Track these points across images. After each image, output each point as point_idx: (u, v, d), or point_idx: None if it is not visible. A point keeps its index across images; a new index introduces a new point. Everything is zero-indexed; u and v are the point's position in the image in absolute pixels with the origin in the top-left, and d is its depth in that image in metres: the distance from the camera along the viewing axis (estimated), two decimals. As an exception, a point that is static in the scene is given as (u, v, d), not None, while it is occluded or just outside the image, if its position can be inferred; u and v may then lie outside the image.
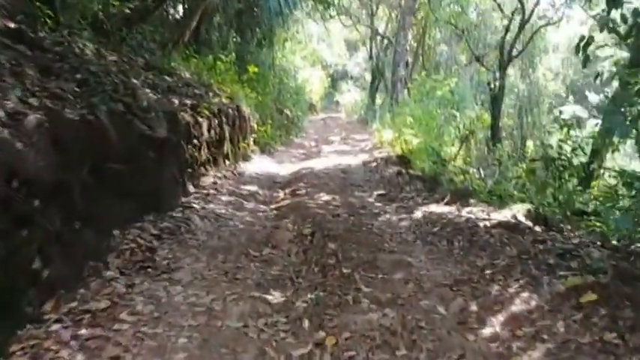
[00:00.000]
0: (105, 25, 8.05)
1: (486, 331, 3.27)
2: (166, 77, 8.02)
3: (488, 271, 4.22)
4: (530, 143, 17.96)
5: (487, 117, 16.36)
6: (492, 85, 16.25)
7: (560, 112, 18.55)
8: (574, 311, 3.32)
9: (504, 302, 3.64)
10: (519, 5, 15.31)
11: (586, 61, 5.98)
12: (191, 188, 6.60)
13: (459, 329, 3.31)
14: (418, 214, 6.36)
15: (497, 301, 3.69)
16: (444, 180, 8.79)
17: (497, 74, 16.59)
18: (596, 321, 3.14)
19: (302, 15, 20.24)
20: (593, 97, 18.95)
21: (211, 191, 6.88)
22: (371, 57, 26.76)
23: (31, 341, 2.75)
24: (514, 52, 16.98)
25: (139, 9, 8.58)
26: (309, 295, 3.78)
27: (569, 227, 6.31)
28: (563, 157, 10.21)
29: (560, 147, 10.19)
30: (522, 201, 8.11)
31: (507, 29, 16.72)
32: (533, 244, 4.73)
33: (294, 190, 7.87)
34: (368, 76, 30.96)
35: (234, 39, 14.18)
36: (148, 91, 6.23)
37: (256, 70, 12.71)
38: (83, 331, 2.92)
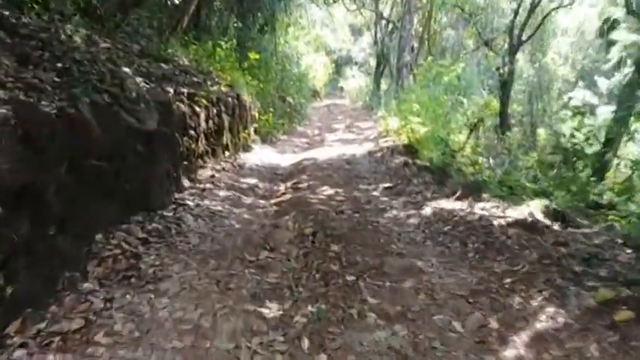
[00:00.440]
0: (98, 11, 7.69)
1: (509, 354, 2.89)
2: (162, 65, 7.64)
3: (507, 280, 3.83)
4: (541, 131, 17.48)
5: (495, 103, 15.94)
6: (501, 71, 15.82)
7: (570, 98, 18.15)
8: (608, 331, 2.94)
9: (528, 318, 3.26)
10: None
11: (609, 45, 5.57)
12: (186, 183, 6.23)
13: (478, 350, 2.94)
14: (427, 210, 5.97)
15: (520, 316, 3.30)
16: (454, 171, 8.38)
17: (507, 59, 16.15)
18: (636, 345, 2.76)
19: (305, -1, 19.76)
20: (603, 83, 18.48)
21: (208, 185, 6.50)
22: (376, 42, 26.21)
23: (-11, 372, 2.40)
24: (524, 36, 16.51)
25: (134, -7, 8.21)
26: (309, 308, 3.39)
27: (585, 222, 5.94)
28: (576, 146, 9.82)
29: (572, 135, 9.81)
30: (535, 193, 7.74)
31: (517, 12, 16.24)
32: (554, 247, 4.35)
33: (295, 183, 7.49)
34: (372, 62, 30.45)
35: (235, 24, 13.70)
36: (139, 80, 5.83)
37: (257, 56, 12.24)
38: (51, 358, 2.56)
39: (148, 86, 5.88)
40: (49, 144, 3.40)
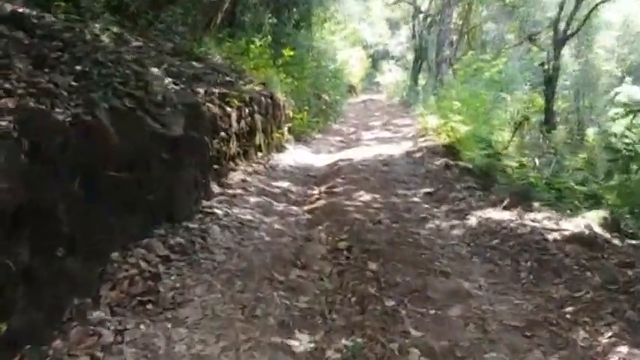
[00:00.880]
0: (131, 8, 7.49)
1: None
2: (194, 63, 7.38)
3: (568, 308, 3.38)
4: (590, 131, 16.67)
5: (540, 100, 15.25)
6: (546, 66, 15.12)
7: (617, 93, 17.28)
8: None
9: (596, 358, 2.82)
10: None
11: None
12: (216, 189, 5.92)
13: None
14: (472, 220, 5.51)
15: (587, 355, 2.86)
16: (499, 174, 7.88)
17: (552, 54, 15.44)
18: None
19: (341, -6, 19.36)
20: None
21: (238, 191, 6.18)
22: (414, 36, 25.65)
23: None
24: (569, 31, 15.75)
25: (167, -10, 8.00)
26: (343, 341, 3.02)
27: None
28: (629, 146, 9.16)
29: (624, 135, 9.16)
30: (585, 197, 7.21)
31: (562, 6, 15.51)
32: (619, 269, 3.87)
33: (330, 187, 7.12)
34: (410, 56, 29.85)
35: (270, 20, 13.38)
36: (168, 81, 5.53)
37: (292, 53, 11.87)
38: (50, 406, 2.26)
39: (176, 87, 5.59)
40: (60, 155, 3.11)
